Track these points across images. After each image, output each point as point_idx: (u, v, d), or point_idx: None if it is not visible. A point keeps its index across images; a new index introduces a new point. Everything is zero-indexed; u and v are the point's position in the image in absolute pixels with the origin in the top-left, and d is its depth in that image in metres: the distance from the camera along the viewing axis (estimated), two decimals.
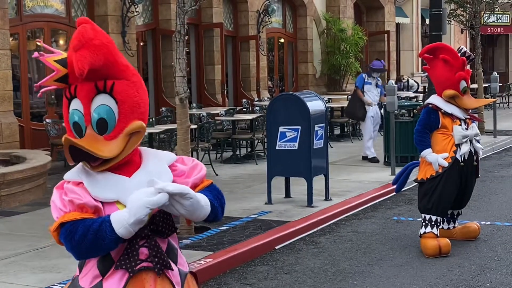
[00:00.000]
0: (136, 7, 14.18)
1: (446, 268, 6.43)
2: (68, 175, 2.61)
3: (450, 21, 18.83)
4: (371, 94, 12.88)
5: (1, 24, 11.69)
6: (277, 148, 8.99)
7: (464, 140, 6.86)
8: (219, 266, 6.49)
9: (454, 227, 7.34)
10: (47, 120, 12.33)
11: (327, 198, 9.21)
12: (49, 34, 13.39)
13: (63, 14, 13.55)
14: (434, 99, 6.97)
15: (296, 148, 8.89)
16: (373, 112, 12.87)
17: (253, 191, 9.99)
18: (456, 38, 30.94)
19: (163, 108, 14.87)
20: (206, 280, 6.21)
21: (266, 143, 10.89)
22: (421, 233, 6.91)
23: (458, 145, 6.84)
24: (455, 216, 7.33)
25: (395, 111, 11.48)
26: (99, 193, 2.54)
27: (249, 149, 13.93)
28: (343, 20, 21.74)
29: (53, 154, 11.48)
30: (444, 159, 6.79)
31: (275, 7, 18.89)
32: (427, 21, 21.80)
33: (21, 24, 12.75)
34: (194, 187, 2.67)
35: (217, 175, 11.46)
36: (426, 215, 6.89)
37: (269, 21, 18.88)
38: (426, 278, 6.14)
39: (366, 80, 12.97)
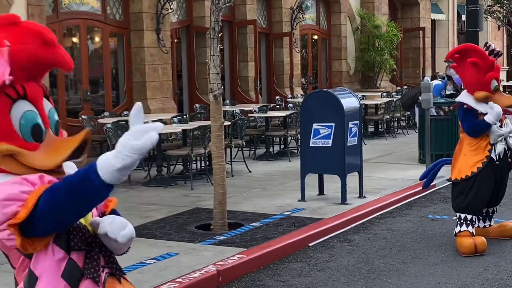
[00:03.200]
0: (170, 4, 14.24)
1: (482, 267, 6.35)
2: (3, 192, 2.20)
3: (487, 17, 18.63)
4: None
5: (38, 21, 11.79)
6: (310, 145, 8.97)
7: (500, 139, 6.78)
8: (253, 262, 6.49)
9: (490, 225, 7.24)
10: (83, 117, 12.46)
11: (361, 195, 9.15)
12: (85, 31, 13.52)
13: (98, 11, 13.67)
14: (467, 99, 6.80)
15: (330, 145, 8.85)
16: None
17: (286, 188, 9.98)
18: (492, 35, 30.52)
19: (197, 105, 14.91)
20: (240, 276, 6.22)
21: (299, 140, 10.86)
22: (457, 231, 6.83)
23: (493, 144, 6.76)
24: (491, 214, 7.23)
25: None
26: None
27: (282, 146, 13.91)
28: (377, 16, 21.59)
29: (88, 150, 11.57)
30: (478, 160, 6.73)
31: (309, 4, 18.83)
32: (463, 17, 21.55)
33: (57, 22, 12.88)
34: (105, 206, 2.49)
35: (250, 172, 11.48)
36: (461, 214, 6.80)
37: (303, 17, 18.82)
38: (462, 277, 6.07)
39: None
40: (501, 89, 7.13)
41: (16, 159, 2.24)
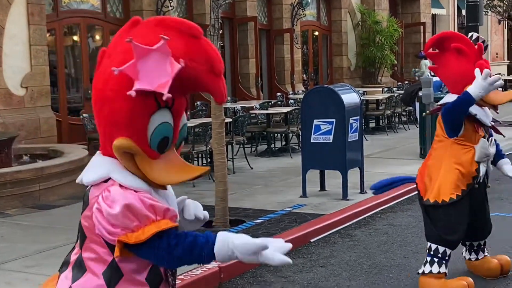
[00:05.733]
0: (170, 1, 14.25)
1: None
2: (132, 183, 2.30)
3: (487, 11, 18.61)
4: None
5: (38, 20, 11.85)
6: (311, 141, 8.98)
7: (485, 159, 5.47)
8: None
9: (484, 256, 5.90)
10: (84, 115, 12.48)
11: (362, 191, 9.17)
12: (85, 30, 13.54)
13: (98, 9, 13.69)
14: (453, 99, 5.40)
15: (331, 141, 8.87)
16: None
17: (288, 184, 10.00)
18: (493, 29, 30.49)
19: (198, 102, 14.94)
20: (242, 273, 6.24)
21: (300, 136, 10.88)
22: (426, 272, 5.48)
23: (478, 163, 5.44)
24: (482, 246, 5.92)
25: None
26: (172, 206, 2.43)
27: (283, 143, 13.93)
28: (378, 12, 21.59)
29: (90, 148, 11.61)
30: (463, 182, 5.37)
31: (309, 0, 18.82)
32: (464, 12, 21.56)
33: (57, 20, 12.90)
34: None
35: (252, 168, 11.50)
36: (440, 247, 5.47)
37: (303, 14, 18.83)
38: (463, 270, 6.08)
39: None
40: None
41: (133, 158, 2.29)
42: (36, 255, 6.59)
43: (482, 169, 5.45)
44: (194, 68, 2.22)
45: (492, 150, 5.51)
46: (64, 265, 2.48)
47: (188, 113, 2.45)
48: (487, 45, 5.66)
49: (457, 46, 5.29)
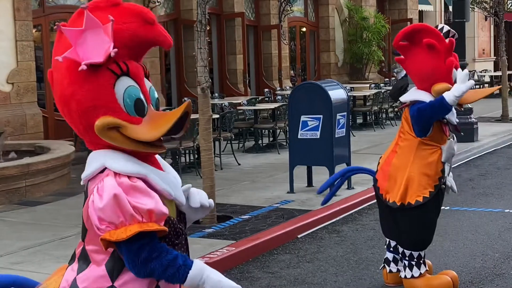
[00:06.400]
0: None
1: (470, 256, 6.40)
2: (127, 168, 2.29)
3: (474, 8, 18.67)
4: None
5: (24, 16, 11.78)
6: (299, 137, 8.99)
7: (451, 159, 5.33)
8: (242, 254, 6.51)
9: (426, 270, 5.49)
10: None
11: (349, 187, 9.19)
12: None
13: (84, 5, 13.63)
14: (423, 96, 5.17)
15: (318, 137, 8.88)
16: None
17: (275, 180, 10.00)
18: (479, 26, 30.63)
19: (186, 98, 14.91)
20: (229, 268, 6.24)
21: (288, 132, 10.88)
22: (408, 276, 5.36)
23: (443, 163, 5.25)
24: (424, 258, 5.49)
25: None
26: (176, 192, 2.42)
27: (271, 139, 13.93)
28: (365, 8, 21.63)
29: (77, 145, 11.56)
30: (430, 182, 5.20)
31: None
32: (451, 8, 21.65)
33: (43, 16, 12.84)
34: None
35: (239, 164, 11.49)
36: (414, 252, 5.34)
37: (291, 10, 18.83)
38: (449, 266, 6.11)
39: None
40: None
41: (120, 133, 2.29)
42: (22, 252, 6.56)
43: (447, 169, 5.25)
44: (128, 29, 2.28)
45: (456, 148, 5.32)
46: (72, 257, 2.50)
47: (150, 79, 2.45)
48: (457, 37, 5.38)
49: (428, 42, 4.98)
